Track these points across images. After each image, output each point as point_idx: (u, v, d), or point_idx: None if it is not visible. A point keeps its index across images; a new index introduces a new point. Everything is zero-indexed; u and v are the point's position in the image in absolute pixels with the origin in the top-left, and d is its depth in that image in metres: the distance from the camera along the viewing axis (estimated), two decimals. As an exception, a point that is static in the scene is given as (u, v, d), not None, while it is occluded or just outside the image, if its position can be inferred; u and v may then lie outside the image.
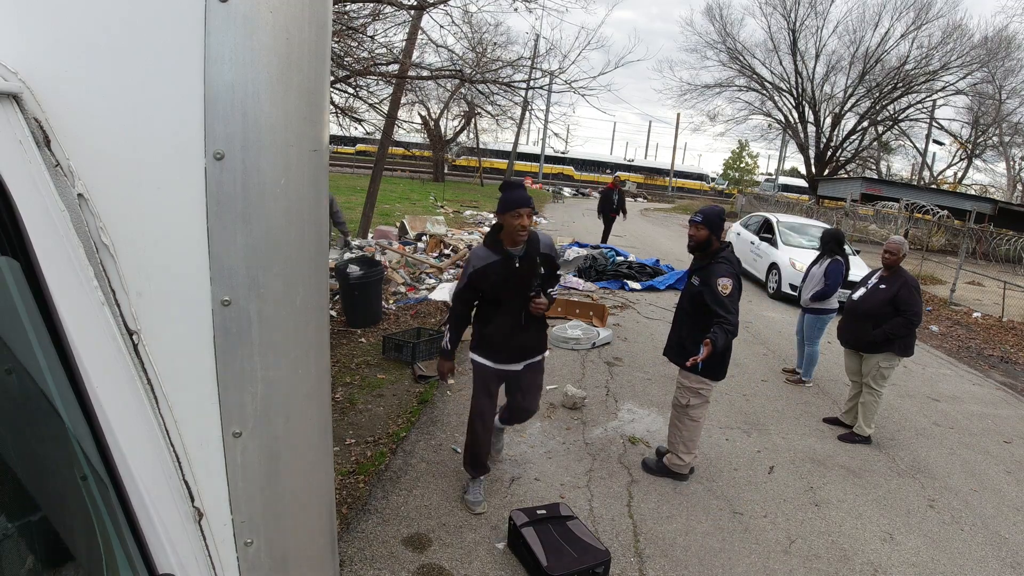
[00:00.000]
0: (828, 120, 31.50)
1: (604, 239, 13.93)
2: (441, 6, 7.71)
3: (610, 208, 13.88)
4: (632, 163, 54.37)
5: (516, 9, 10.27)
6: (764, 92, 31.89)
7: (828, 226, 9.22)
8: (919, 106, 31.05)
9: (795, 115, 31.57)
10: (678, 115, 58.28)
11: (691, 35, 60.20)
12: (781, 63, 30.83)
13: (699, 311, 3.60)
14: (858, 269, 8.67)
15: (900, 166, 44.86)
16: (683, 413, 3.81)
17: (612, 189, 13.83)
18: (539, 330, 3.31)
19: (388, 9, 7.24)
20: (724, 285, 3.49)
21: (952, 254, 18.78)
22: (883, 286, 4.75)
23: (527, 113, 25.45)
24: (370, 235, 11.28)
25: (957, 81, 29.31)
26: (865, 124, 31.30)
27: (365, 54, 7.58)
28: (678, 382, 3.87)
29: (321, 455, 1.03)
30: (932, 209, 22.61)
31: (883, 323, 4.64)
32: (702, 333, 3.59)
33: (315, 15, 0.86)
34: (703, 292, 3.55)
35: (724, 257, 3.64)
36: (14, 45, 0.75)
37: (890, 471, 4.44)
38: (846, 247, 6.57)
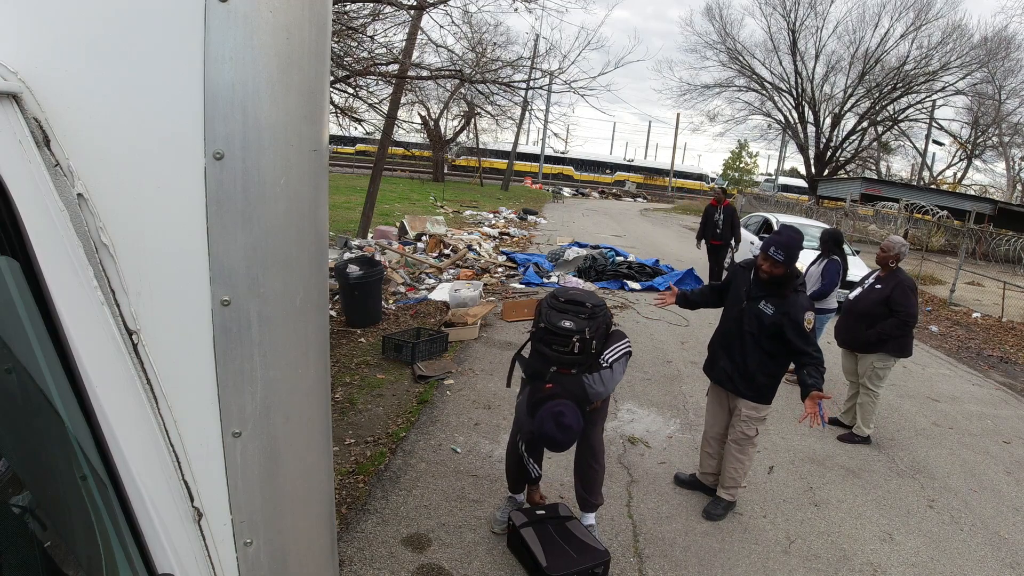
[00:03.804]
0: (828, 120, 31.51)
1: (711, 275, 10.05)
2: (441, 6, 7.71)
3: (713, 232, 9.76)
4: (632, 163, 54.38)
5: (516, 9, 10.27)
6: (764, 92, 31.90)
7: (827, 226, 9.23)
8: (919, 106, 31.08)
9: (795, 115, 31.58)
10: (678, 115, 58.33)
11: (690, 35, 60.22)
12: (781, 63, 30.86)
13: (770, 339, 3.35)
14: (857, 269, 8.67)
15: (900, 166, 44.86)
16: (747, 444, 3.56)
17: (715, 206, 9.78)
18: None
19: (388, 9, 7.24)
20: (809, 320, 3.27)
21: (952, 254, 18.79)
22: (879, 286, 4.76)
23: (527, 113, 25.50)
24: (370, 235, 11.29)
25: (957, 81, 29.35)
26: (865, 124, 31.31)
27: (365, 54, 7.58)
28: (743, 415, 3.53)
29: (321, 455, 1.03)
30: (932, 209, 22.63)
31: (878, 323, 4.65)
32: (772, 362, 3.41)
33: (315, 15, 0.86)
34: (783, 324, 3.27)
35: (802, 284, 3.45)
36: (14, 45, 0.75)
37: (890, 471, 4.44)
38: (845, 247, 6.58)
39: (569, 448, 2.74)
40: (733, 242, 9.88)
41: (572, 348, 2.72)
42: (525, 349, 3.08)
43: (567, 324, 2.74)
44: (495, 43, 12.89)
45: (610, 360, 2.82)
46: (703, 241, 10.01)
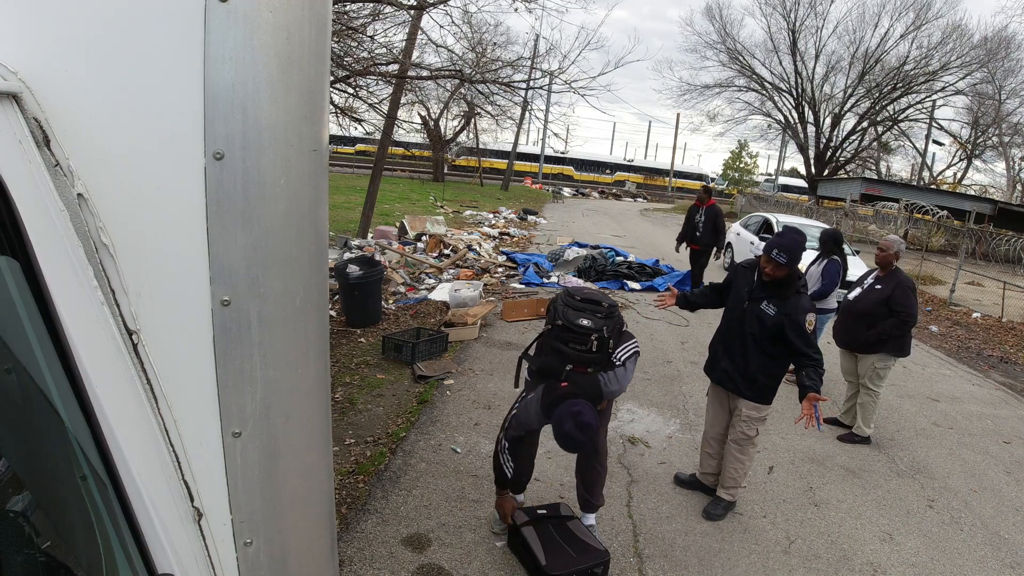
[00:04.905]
0: (828, 120, 31.51)
1: (694, 282, 9.11)
2: (441, 6, 7.71)
3: (692, 235, 8.93)
4: (632, 163, 54.43)
5: (516, 9, 10.27)
6: (764, 92, 31.89)
7: (827, 226, 9.23)
8: (919, 106, 31.08)
9: (795, 115, 31.58)
10: (678, 115, 58.28)
11: (690, 35, 60.25)
12: (781, 63, 30.86)
13: (772, 341, 3.35)
14: (856, 269, 8.65)
15: (900, 166, 44.86)
16: (748, 444, 3.56)
17: (697, 206, 8.94)
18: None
19: (388, 9, 7.24)
20: (810, 322, 3.28)
21: (952, 254, 18.79)
22: (878, 286, 4.76)
23: (527, 113, 25.50)
24: (370, 235, 11.29)
25: (957, 81, 29.36)
26: (865, 124, 31.31)
27: (365, 54, 7.58)
28: (743, 415, 3.53)
29: (321, 455, 1.03)
30: (932, 209, 22.64)
31: (878, 323, 4.65)
32: (773, 363, 3.41)
33: (315, 15, 0.86)
34: (784, 325, 3.28)
35: (804, 286, 3.46)
36: (14, 45, 0.75)
37: (889, 471, 4.44)
38: (845, 247, 6.58)
39: (587, 448, 2.74)
40: (716, 249, 9.00)
41: (590, 347, 2.72)
42: (531, 348, 3.08)
43: (585, 322, 2.73)
44: (495, 43, 12.89)
45: (623, 359, 2.83)
46: (683, 244, 9.23)
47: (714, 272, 11.68)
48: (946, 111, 41.57)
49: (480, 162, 38.03)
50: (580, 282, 9.49)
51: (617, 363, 2.81)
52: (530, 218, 19.55)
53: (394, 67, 8.12)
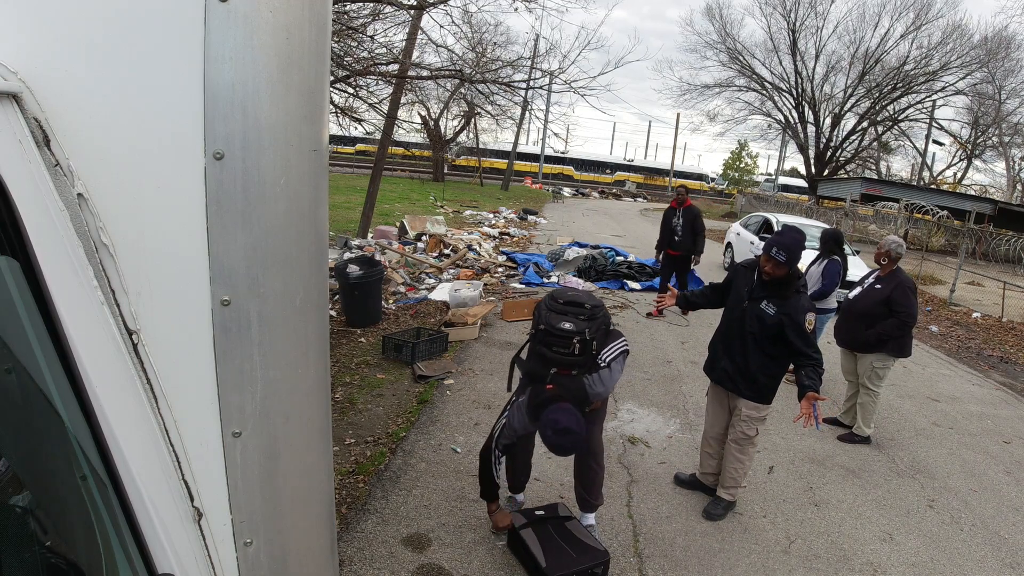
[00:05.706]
0: (828, 120, 31.53)
1: (671, 281, 8.24)
2: (441, 6, 7.71)
3: (670, 240, 8.01)
4: (632, 163, 54.46)
5: (516, 9, 10.26)
6: (764, 92, 31.92)
7: (827, 226, 9.23)
8: (919, 106, 31.11)
9: (795, 115, 31.60)
10: (678, 115, 58.24)
11: (690, 35, 60.41)
12: (781, 63, 30.89)
13: (771, 340, 3.36)
14: (857, 269, 8.66)
15: (900, 166, 44.88)
16: (748, 443, 3.56)
17: (674, 208, 8.00)
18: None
19: (388, 9, 7.24)
20: (810, 321, 3.21)
21: (952, 254, 18.80)
22: (879, 286, 4.76)
23: (527, 113, 25.50)
24: (370, 235, 11.28)
25: (957, 81, 29.38)
26: (865, 124, 31.33)
27: (365, 54, 7.58)
28: (743, 415, 3.53)
29: (321, 455, 1.03)
30: (932, 209, 22.65)
31: (877, 323, 4.65)
32: (773, 363, 3.42)
33: (315, 15, 0.86)
34: (784, 325, 3.28)
35: (804, 285, 3.46)
36: (14, 45, 0.75)
37: (890, 471, 4.44)
38: (845, 247, 6.58)
39: (576, 451, 2.73)
40: (695, 255, 8.06)
41: (573, 349, 2.72)
42: (523, 352, 3.08)
43: (567, 326, 2.73)
44: (495, 43, 12.88)
45: (608, 360, 2.81)
46: (662, 252, 8.19)
47: (714, 272, 11.69)
48: (946, 111, 41.62)
49: (480, 162, 38.03)
50: (580, 282, 9.49)
51: (602, 364, 2.80)
52: (530, 218, 19.55)
53: (394, 67, 8.12)
